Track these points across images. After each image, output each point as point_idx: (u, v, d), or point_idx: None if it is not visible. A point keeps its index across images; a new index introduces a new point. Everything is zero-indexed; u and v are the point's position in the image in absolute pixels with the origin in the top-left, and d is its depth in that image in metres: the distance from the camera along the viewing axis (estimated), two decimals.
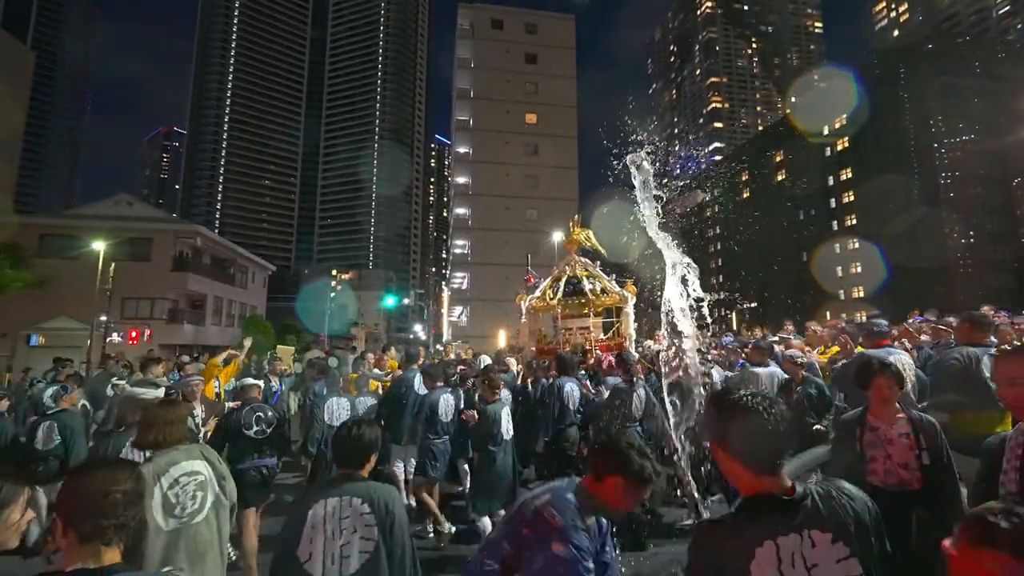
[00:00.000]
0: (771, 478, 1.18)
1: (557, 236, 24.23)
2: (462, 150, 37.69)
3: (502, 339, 24.62)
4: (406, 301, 40.09)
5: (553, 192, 34.90)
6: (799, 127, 66.23)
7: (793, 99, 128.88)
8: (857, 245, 59.20)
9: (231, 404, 5.61)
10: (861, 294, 58.57)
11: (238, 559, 4.04)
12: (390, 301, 29.92)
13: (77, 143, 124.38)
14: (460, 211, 37.39)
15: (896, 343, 6.28)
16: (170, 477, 2.42)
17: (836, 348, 6.57)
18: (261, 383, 5.30)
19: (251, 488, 4.00)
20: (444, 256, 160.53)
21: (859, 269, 59.20)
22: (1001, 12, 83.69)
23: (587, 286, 9.69)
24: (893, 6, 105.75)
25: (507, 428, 4.56)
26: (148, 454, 2.56)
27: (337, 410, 5.11)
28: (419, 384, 5.52)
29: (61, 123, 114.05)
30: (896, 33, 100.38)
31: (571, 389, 5.46)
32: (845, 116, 61.11)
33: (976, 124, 56.33)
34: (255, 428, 4.30)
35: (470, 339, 32.85)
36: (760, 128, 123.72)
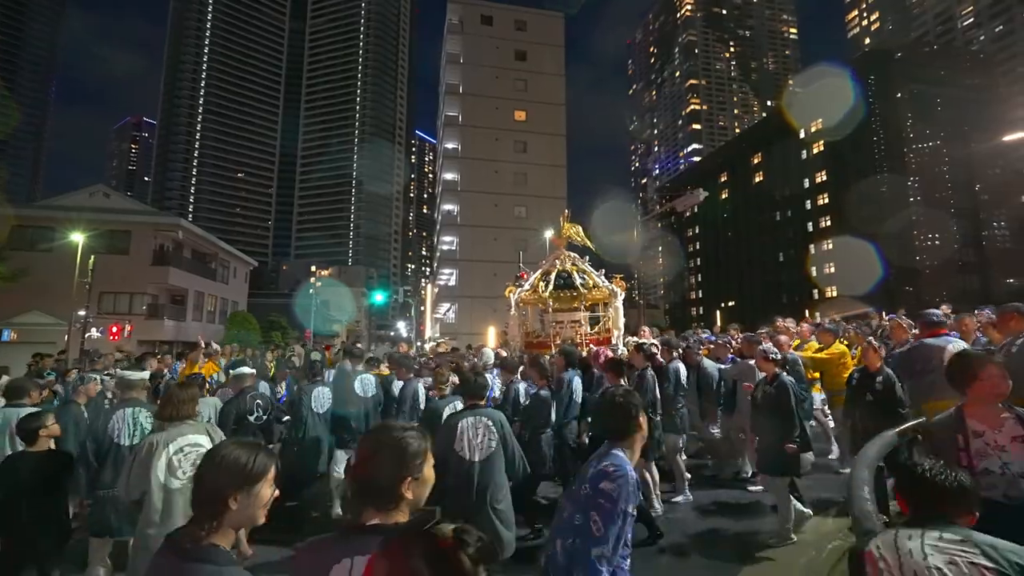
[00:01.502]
0: None
1: (547, 233, 24.34)
2: (451, 146, 37.46)
3: (491, 336, 24.63)
4: (396, 298, 39.59)
5: (542, 190, 35.02)
6: (776, 130, 68.02)
7: (768, 103, 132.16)
8: (831, 246, 61.19)
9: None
10: (835, 293, 60.37)
11: None
12: (379, 297, 29.53)
13: (41, 132, 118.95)
14: (448, 207, 37.19)
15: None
16: (177, 445, 2.94)
17: (815, 344, 6.87)
18: (253, 371, 5.64)
19: None
20: (425, 253, 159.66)
21: (833, 269, 61.09)
22: (965, 24, 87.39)
23: (577, 280, 9.80)
24: (864, 15, 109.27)
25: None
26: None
27: (321, 398, 5.45)
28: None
29: (24, 111, 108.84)
30: (867, 41, 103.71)
31: (577, 383, 5.44)
32: (820, 120, 62.90)
33: (943, 130, 58.77)
34: (255, 414, 4.84)
35: (458, 336, 32.81)
36: (737, 130, 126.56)
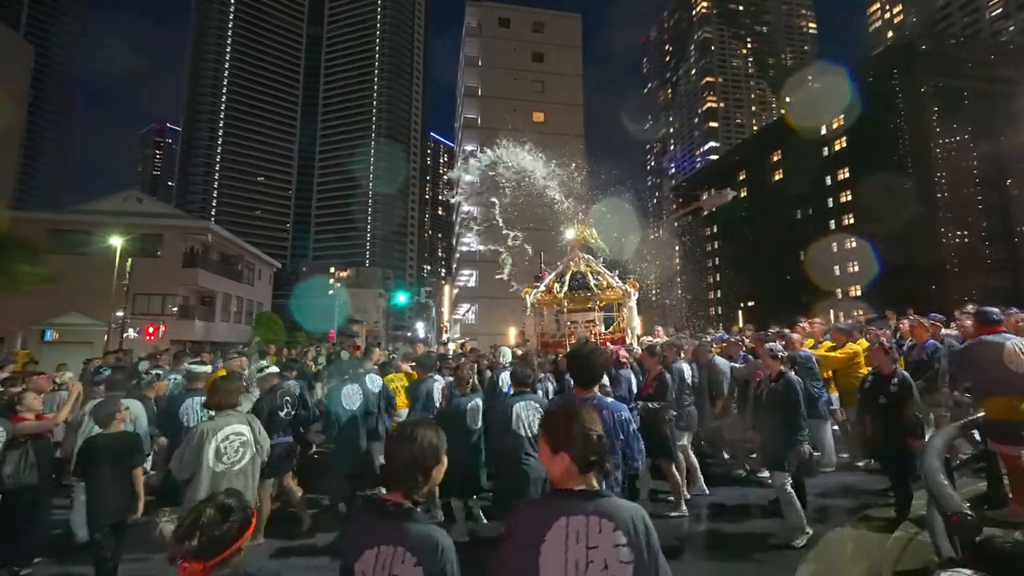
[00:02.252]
0: None
1: (568, 234, 24.22)
2: (469, 148, 37.72)
3: (512, 336, 24.78)
4: (418, 298, 40.01)
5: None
6: (796, 127, 66.99)
7: (788, 99, 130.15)
8: (854, 244, 60.04)
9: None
10: (858, 292, 59.33)
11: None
12: (402, 298, 29.89)
13: (68, 139, 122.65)
14: (467, 210, 37.41)
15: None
16: (224, 433, 3.34)
17: (828, 343, 6.81)
18: (277, 369, 6.00)
19: (276, 460, 4.60)
20: (440, 254, 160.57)
21: (856, 268, 59.96)
22: (993, 14, 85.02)
23: (592, 281, 9.91)
24: (887, 7, 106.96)
25: (473, 420, 4.85)
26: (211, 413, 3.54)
27: (352, 395, 5.60)
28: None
29: (51, 119, 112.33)
30: (890, 34, 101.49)
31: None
32: (842, 116, 61.84)
33: (970, 125, 57.22)
34: (285, 410, 5.16)
35: (479, 336, 33.03)
36: (755, 128, 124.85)
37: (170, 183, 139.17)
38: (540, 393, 5.64)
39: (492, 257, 34.37)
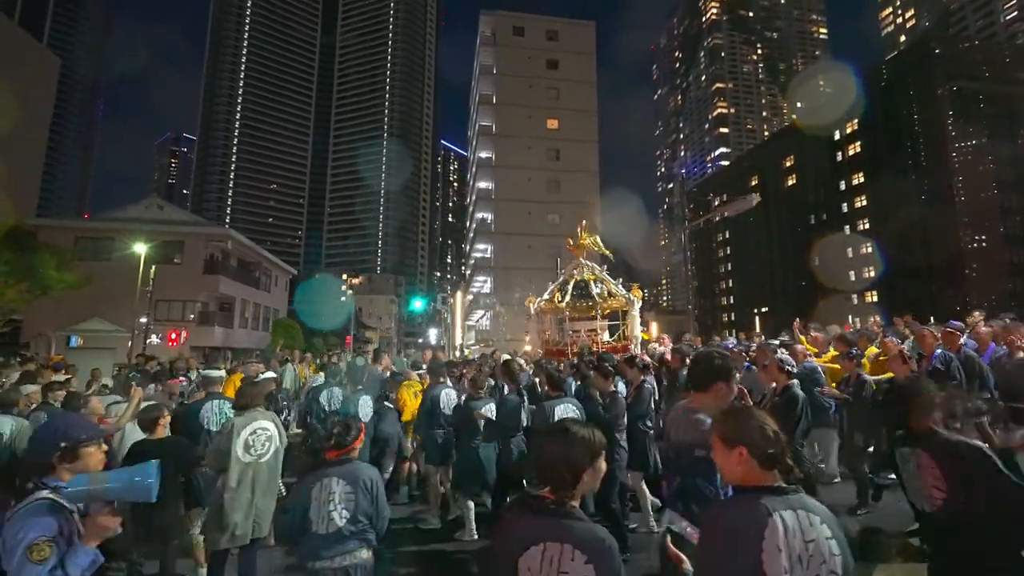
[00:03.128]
0: None
1: (572, 242, 24.32)
2: (484, 155, 38.01)
3: (527, 343, 24.71)
4: (434, 304, 40.16)
5: (575, 196, 35.14)
6: (808, 132, 66.59)
7: (799, 104, 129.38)
8: (870, 249, 59.35)
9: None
10: (875, 298, 58.53)
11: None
12: (418, 304, 30.05)
13: (89, 148, 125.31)
14: (482, 215, 37.70)
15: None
16: (251, 428, 3.67)
17: (832, 352, 6.52)
18: (276, 376, 6.45)
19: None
20: (450, 260, 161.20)
21: (872, 273, 59.22)
22: (1008, 17, 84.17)
23: (594, 289, 9.85)
24: (899, 11, 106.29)
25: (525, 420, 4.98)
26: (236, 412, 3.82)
27: (365, 407, 5.57)
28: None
29: (73, 127, 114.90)
30: (903, 38, 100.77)
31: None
32: (856, 121, 61.43)
33: (987, 127, 56.49)
34: (283, 415, 5.73)
35: (493, 343, 33.06)
36: (766, 133, 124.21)
37: (185, 191, 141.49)
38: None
39: (507, 263, 34.75)
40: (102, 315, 25.17)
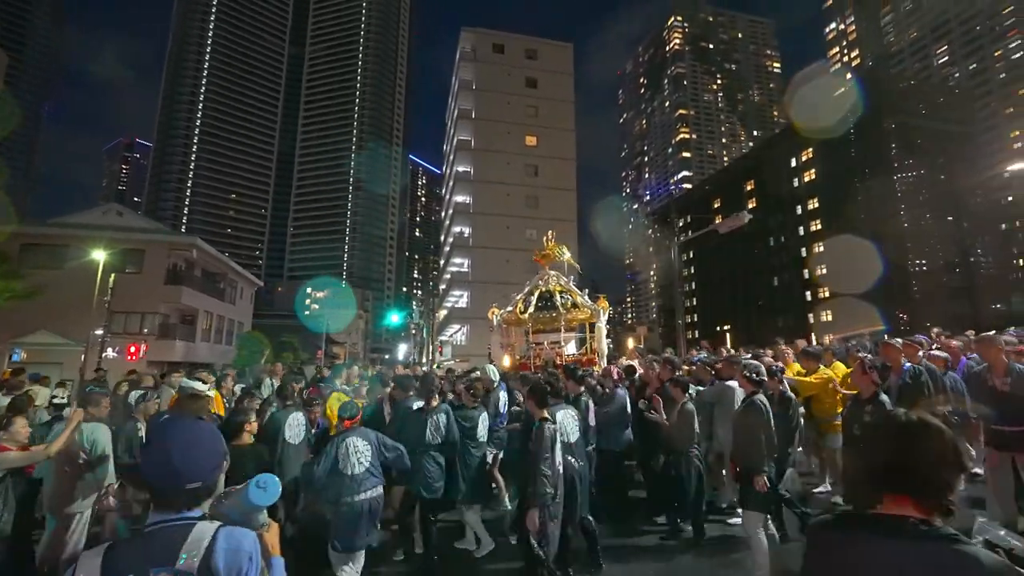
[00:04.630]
0: None
1: (565, 255, 24.41)
2: (463, 169, 37.95)
3: (506, 358, 24.40)
4: (411, 319, 39.27)
5: (553, 213, 35.47)
6: (768, 159, 70.22)
7: (756, 133, 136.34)
8: (825, 271, 62.59)
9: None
10: (829, 318, 61.36)
11: None
12: (395, 318, 29.12)
13: (33, 150, 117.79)
14: (459, 229, 37.43)
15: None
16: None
17: (797, 366, 6.41)
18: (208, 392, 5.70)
19: None
20: (417, 276, 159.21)
21: (827, 294, 62.27)
22: (940, 61, 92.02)
23: (558, 300, 9.58)
24: (845, 51, 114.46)
25: (484, 432, 4.97)
26: None
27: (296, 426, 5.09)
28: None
29: (18, 130, 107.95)
30: (848, 76, 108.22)
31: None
32: (811, 149, 65.18)
33: (924, 161, 61.04)
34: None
35: (471, 357, 32.59)
36: (725, 159, 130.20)
37: (137, 198, 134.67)
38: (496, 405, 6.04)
39: (484, 277, 34.50)
40: (51, 328, 23.27)
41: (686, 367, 7.22)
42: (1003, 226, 70.92)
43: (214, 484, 1.28)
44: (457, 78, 39.68)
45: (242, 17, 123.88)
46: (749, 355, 7.53)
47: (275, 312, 66.12)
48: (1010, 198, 75.94)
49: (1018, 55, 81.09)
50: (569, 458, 4.21)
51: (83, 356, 20.11)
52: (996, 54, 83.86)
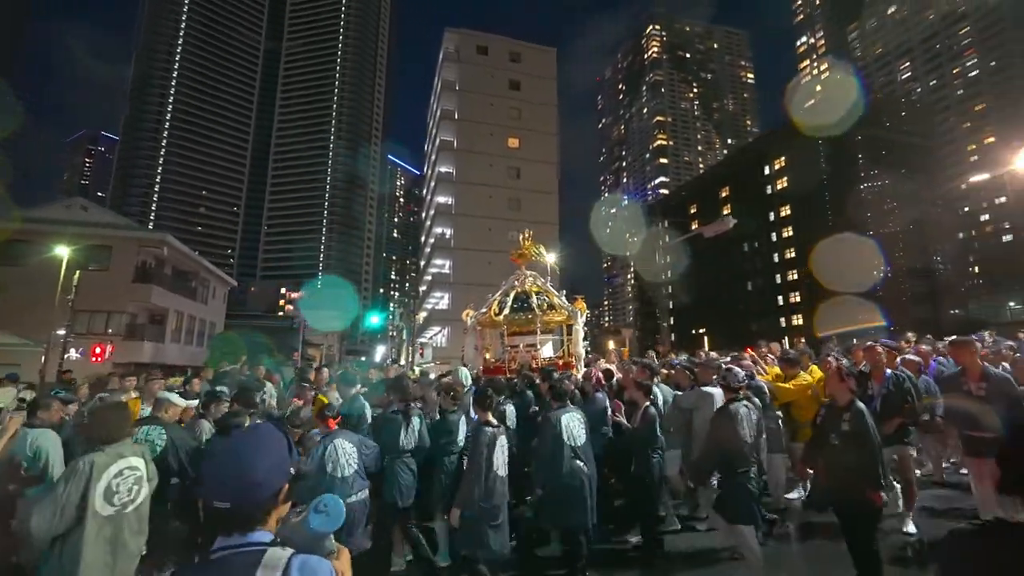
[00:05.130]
0: None
1: (549, 258, 24.47)
2: (445, 169, 37.67)
3: (480, 360, 24.33)
4: (392, 320, 38.65)
5: (536, 216, 35.51)
6: (742, 167, 72.06)
7: (730, 141, 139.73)
8: (795, 276, 64.49)
9: None
10: (800, 321, 63.12)
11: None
12: (375, 319, 28.47)
13: None
14: (441, 230, 37.13)
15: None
16: (116, 468, 2.75)
17: (775, 370, 6.26)
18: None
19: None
20: (394, 277, 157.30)
21: (798, 299, 64.14)
22: (904, 76, 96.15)
23: (534, 302, 9.27)
24: (815, 64, 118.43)
25: (462, 437, 4.74)
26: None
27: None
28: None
29: None
30: (818, 88, 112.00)
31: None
32: (783, 158, 67.10)
33: (888, 171, 63.55)
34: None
35: (451, 360, 32.31)
36: (701, 166, 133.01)
37: (101, 193, 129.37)
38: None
39: (466, 279, 34.27)
40: (9, 328, 22.02)
41: (665, 371, 7.05)
42: (960, 235, 74.51)
43: (279, 498, 1.15)
44: (440, 78, 39.43)
45: (217, 10, 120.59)
46: (729, 358, 7.48)
47: (248, 312, 64.36)
48: (967, 208, 79.93)
49: (974, 73, 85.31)
50: (577, 462, 4.14)
51: (43, 358, 19.12)
52: (955, 71, 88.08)
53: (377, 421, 4.96)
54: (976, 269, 78.88)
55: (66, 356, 19.91)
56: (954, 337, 5.48)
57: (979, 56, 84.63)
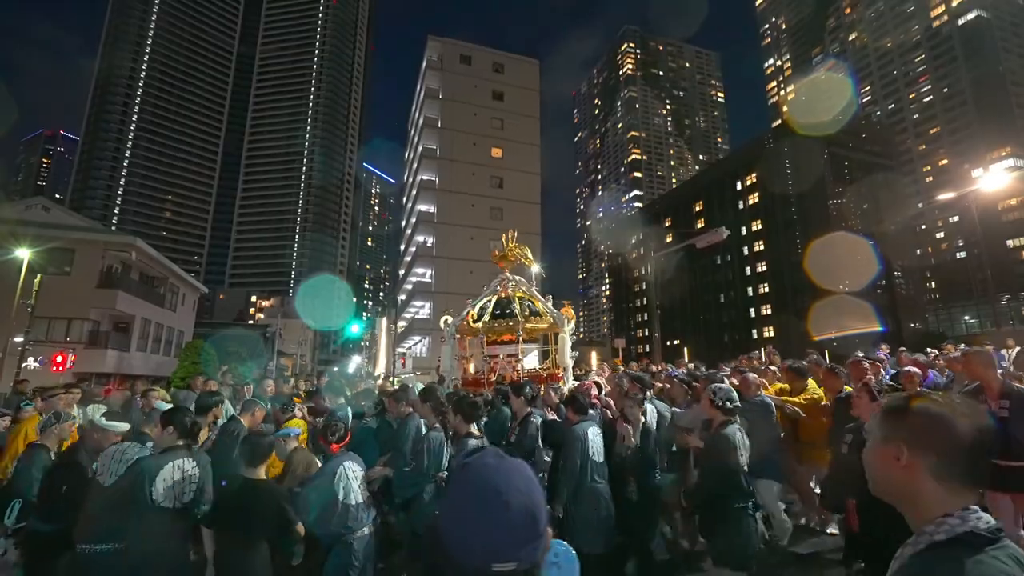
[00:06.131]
0: None
1: (533, 269, 24.38)
2: (427, 177, 37.38)
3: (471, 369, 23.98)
4: (373, 331, 37.75)
5: (517, 225, 35.43)
6: (715, 182, 74.19)
7: (702, 157, 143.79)
8: (767, 288, 66.40)
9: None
10: (771, 333, 64.78)
11: None
12: (355, 328, 27.64)
13: None
14: (422, 238, 36.71)
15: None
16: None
17: (778, 385, 5.78)
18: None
19: None
20: (368, 286, 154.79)
21: (769, 311, 65.95)
22: (864, 100, 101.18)
23: (516, 308, 8.56)
24: (782, 86, 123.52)
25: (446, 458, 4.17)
26: None
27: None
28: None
29: None
30: (785, 108, 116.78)
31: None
32: (755, 174, 69.32)
33: (852, 188, 66.37)
34: None
35: (431, 370, 31.75)
36: (674, 181, 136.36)
37: (59, 195, 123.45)
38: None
39: (448, 288, 33.86)
40: None
41: (659, 384, 6.61)
42: (917, 251, 78.23)
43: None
44: (423, 86, 39.29)
45: (187, 12, 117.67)
46: (727, 370, 7.17)
47: (216, 320, 62.00)
48: (923, 226, 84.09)
49: (928, 98, 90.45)
50: (598, 481, 3.84)
51: None
52: (911, 96, 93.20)
53: (421, 438, 4.27)
54: (933, 284, 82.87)
55: (23, 365, 18.67)
56: (965, 347, 5.21)
57: (932, 83, 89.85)
